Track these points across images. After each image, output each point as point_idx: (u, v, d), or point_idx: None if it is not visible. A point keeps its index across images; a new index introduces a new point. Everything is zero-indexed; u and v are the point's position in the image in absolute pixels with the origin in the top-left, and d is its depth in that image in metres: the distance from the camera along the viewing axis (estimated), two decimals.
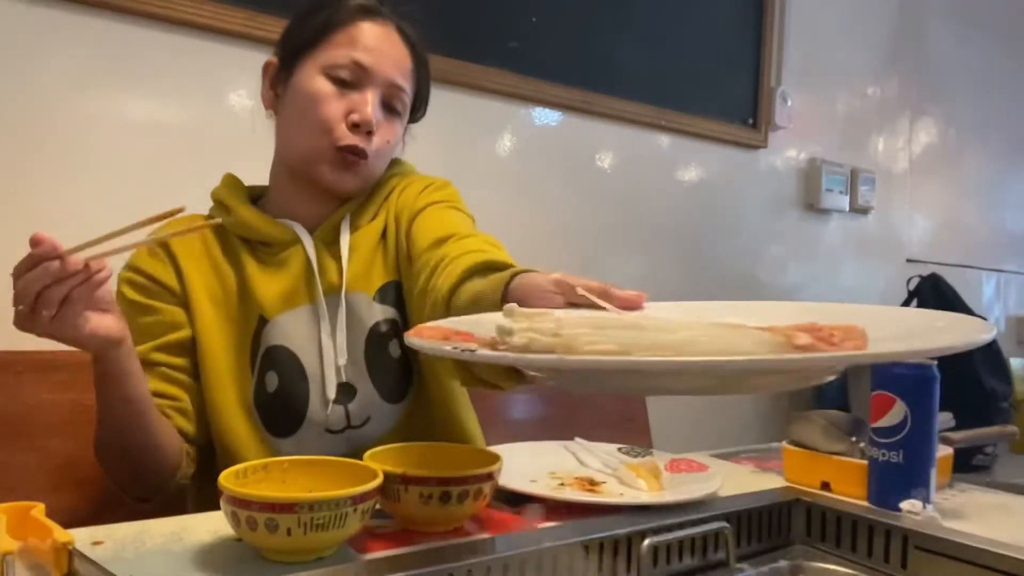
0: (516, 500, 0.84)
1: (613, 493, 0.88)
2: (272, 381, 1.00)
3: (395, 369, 1.04)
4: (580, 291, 0.73)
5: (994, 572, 0.77)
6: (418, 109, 1.12)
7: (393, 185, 1.11)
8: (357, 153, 1.01)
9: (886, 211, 2.84)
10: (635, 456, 1.01)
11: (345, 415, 1.01)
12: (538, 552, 0.72)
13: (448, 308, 0.87)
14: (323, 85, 1.00)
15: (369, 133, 1.01)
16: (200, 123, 1.46)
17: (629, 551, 0.78)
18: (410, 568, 0.65)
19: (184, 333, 1.01)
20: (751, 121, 2.39)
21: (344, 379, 1.01)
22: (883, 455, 0.90)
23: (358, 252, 1.05)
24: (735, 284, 2.40)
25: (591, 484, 0.90)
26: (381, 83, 1.02)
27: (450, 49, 1.73)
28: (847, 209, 2.67)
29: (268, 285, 1.02)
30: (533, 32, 1.89)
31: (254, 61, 1.50)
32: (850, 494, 0.93)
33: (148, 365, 0.96)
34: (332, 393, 1.00)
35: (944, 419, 1.02)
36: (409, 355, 1.05)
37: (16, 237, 1.31)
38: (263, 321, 1.01)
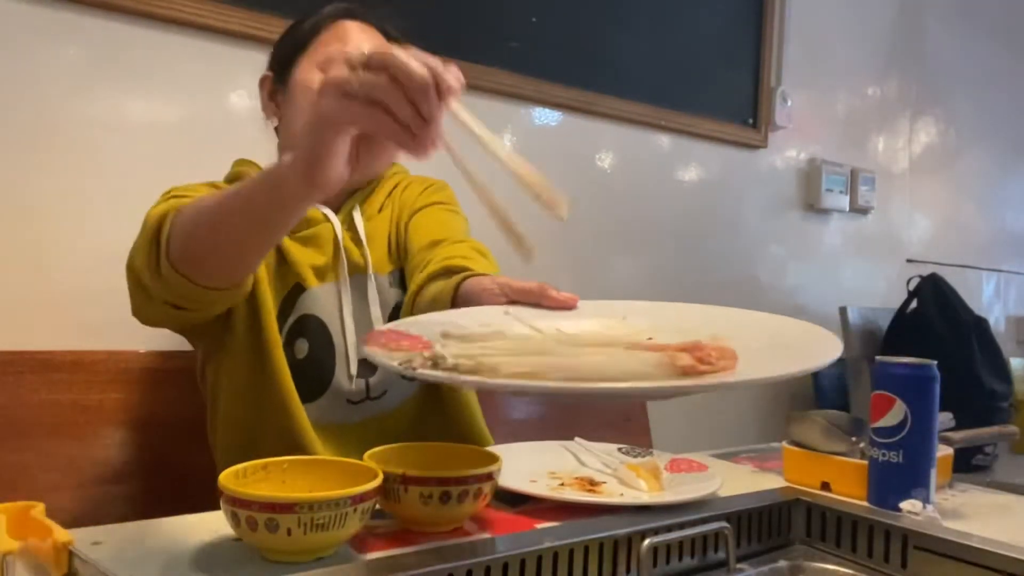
0: (516, 500, 0.84)
1: (613, 493, 0.88)
2: (302, 348, 1.06)
3: None
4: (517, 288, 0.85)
5: (994, 572, 0.77)
6: None
7: (396, 181, 1.17)
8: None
9: (886, 211, 2.84)
10: (635, 456, 1.01)
11: (365, 387, 1.07)
12: (538, 552, 0.72)
13: (413, 307, 0.98)
14: (319, 76, 1.05)
15: None
16: (200, 123, 1.46)
17: (629, 551, 0.78)
18: (410, 568, 0.65)
19: None
20: (751, 121, 2.39)
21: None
22: (883, 455, 0.90)
23: (374, 239, 1.12)
24: (735, 284, 2.40)
25: (591, 484, 0.90)
26: None
27: (450, 49, 1.73)
28: (847, 209, 2.67)
29: (305, 256, 1.07)
30: (533, 32, 1.89)
31: (254, 61, 1.50)
32: (850, 494, 0.93)
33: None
34: (355, 368, 1.06)
35: (944, 419, 1.02)
36: None
37: (17, 237, 1.32)
38: (300, 288, 1.06)
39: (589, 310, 0.85)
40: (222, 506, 0.66)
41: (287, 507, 0.63)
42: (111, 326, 1.36)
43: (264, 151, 1.56)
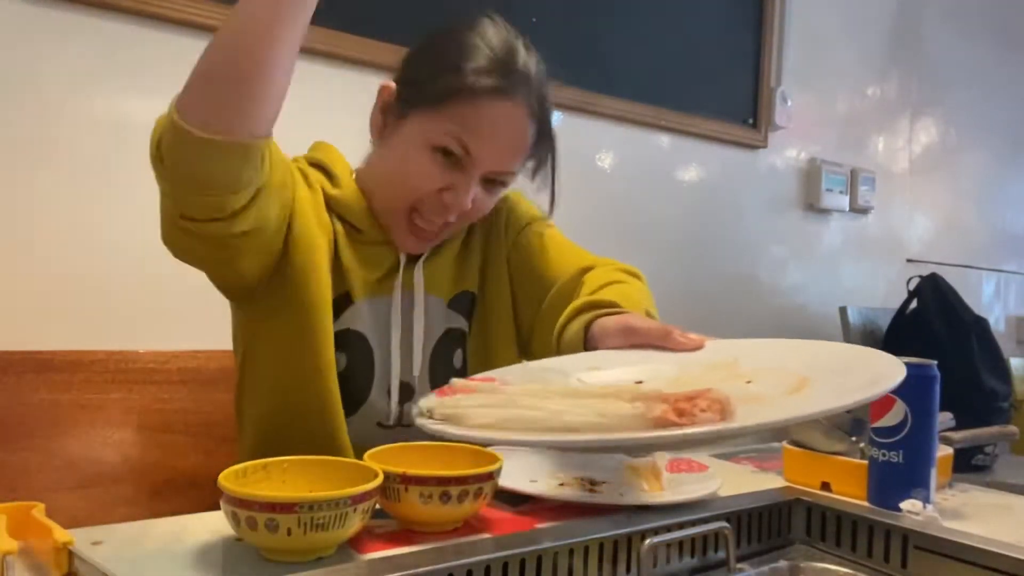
0: (516, 500, 0.84)
1: (613, 493, 0.88)
2: (340, 362, 0.99)
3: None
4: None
5: (994, 572, 0.77)
6: (536, 171, 1.07)
7: None
8: (427, 234, 1.01)
9: (886, 211, 2.84)
10: (635, 456, 1.01)
11: (399, 414, 1.02)
12: (538, 552, 0.72)
13: (557, 344, 0.98)
14: (426, 156, 0.96)
15: (454, 215, 1.00)
16: None
17: (629, 551, 0.78)
18: (410, 568, 0.65)
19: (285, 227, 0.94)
20: (751, 121, 2.39)
21: (406, 379, 1.03)
22: (883, 455, 0.90)
23: (436, 259, 1.06)
24: (735, 284, 2.40)
25: (591, 484, 0.90)
26: (486, 170, 0.98)
27: None
28: (847, 209, 2.67)
29: (358, 267, 1.01)
30: (533, 32, 1.88)
31: None
32: (850, 494, 0.93)
33: None
34: (396, 394, 1.02)
35: (944, 419, 1.02)
36: (468, 368, 1.08)
37: (17, 236, 1.32)
38: (348, 300, 1.00)
39: (703, 354, 0.85)
40: (222, 506, 0.66)
41: (287, 507, 0.63)
42: (111, 326, 1.36)
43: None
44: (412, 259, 1.05)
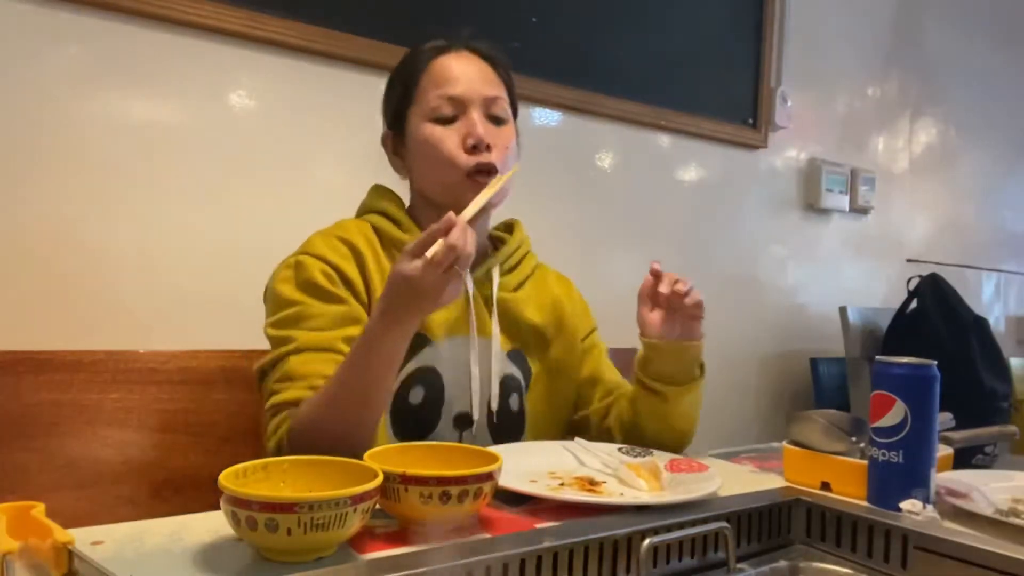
0: (516, 500, 0.84)
1: (613, 493, 0.88)
2: (418, 395, 1.08)
3: (510, 419, 1.14)
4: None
5: (994, 572, 0.77)
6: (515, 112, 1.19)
7: (532, 264, 1.24)
8: (487, 171, 1.08)
9: (886, 211, 2.84)
10: (635, 456, 1.01)
11: (459, 439, 1.10)
12: (538, 552, 0.72)
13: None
14: (432, 129, 1.09)
15: (488, 148, 1.09)
16: (200, 123, 1.46)
17: (629, 551, 0.78)
18: (410, 568, 0.65)
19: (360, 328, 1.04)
20: (751, 121, 2.39)
21: (467, 410, 1.10)
22: (883, 455, 0.90)
23: (505, 313, 1.15)
24: (735, 284, 2.41)
25: (591, 484, 0.90)
26: (478, 102, 1.10)
27: None
28: (847, 209, 2.67)
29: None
30: (533, 32, 1.89)
31: (254, 61, 1.50)
32: (850, 494, 0.93)
33: (334, 351, 1.02)
34: (458, 424, 1.09)
35: (944, 419, 1.02)
36: (527, 416, 1.16)
37: (16, 236, 1.32)
38: (426, 340, 1.08)
39: None
40: (222, 506, 0.66)
41: (287, 507, 0.63)
42: (111, 326, 1.36)
43: (261, 152, 1.57)
44: (480, 292, 1.14)
